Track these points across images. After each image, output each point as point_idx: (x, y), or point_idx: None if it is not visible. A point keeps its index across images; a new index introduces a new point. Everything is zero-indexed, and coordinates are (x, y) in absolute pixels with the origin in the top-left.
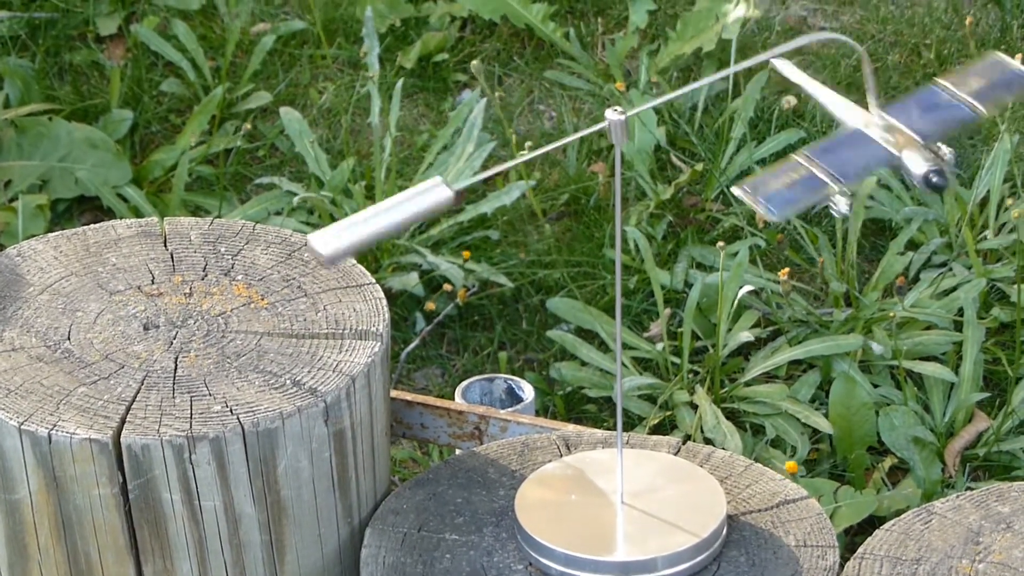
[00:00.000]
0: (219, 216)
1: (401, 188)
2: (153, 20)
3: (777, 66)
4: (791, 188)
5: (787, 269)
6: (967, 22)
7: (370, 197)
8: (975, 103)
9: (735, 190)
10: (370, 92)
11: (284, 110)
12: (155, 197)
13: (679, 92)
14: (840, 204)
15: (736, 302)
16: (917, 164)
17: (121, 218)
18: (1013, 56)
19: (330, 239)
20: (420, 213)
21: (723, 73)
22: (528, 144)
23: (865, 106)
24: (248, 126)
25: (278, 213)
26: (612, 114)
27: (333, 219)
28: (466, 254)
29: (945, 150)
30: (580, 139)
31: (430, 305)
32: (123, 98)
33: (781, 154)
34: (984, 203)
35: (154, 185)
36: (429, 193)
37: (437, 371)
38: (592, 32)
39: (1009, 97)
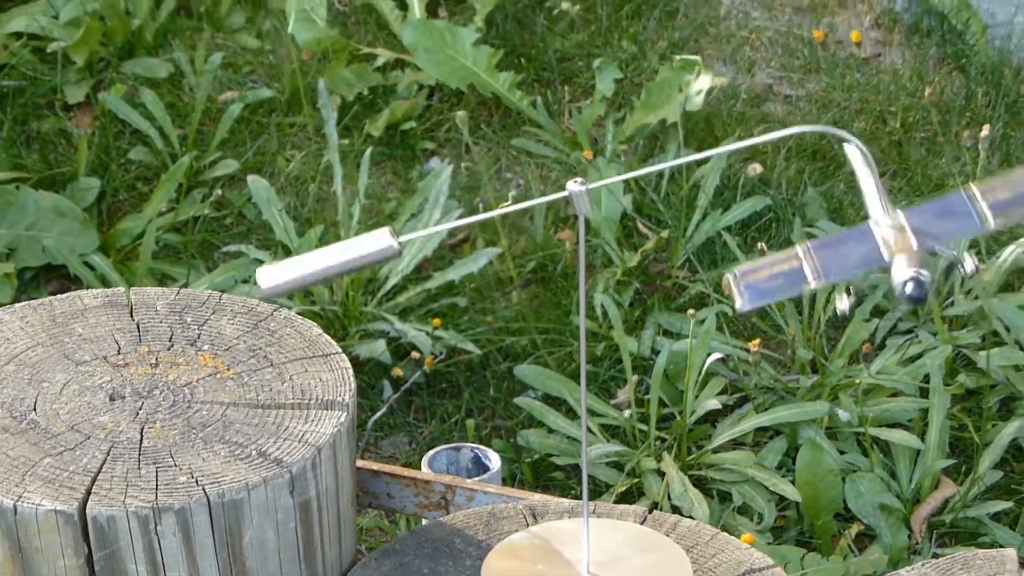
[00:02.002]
0: (186, 285)
1: None
2: (120, 88)
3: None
4: (772, 279)
5: (757, 340)
6: (927, 93)
7: None
8: (987, 215)
9: (727, 276)
10: (331, 162)
11: (251, 178)
12: (122, 265)
13: (646, 171)
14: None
15: (703, 369)
16: (900, 272)
17: (88, 286)
18: (980, 126)
19: (274, 274)
20: (364, 261)
21: (724, 150)
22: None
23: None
24: (218, 192)
25: (245, 281)
26: (573, 186)
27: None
28: (436, 322)
29: (953, 256)
30: (547, 206)
31: (397, 372)
32: (90, 166)
33: (747, 222)
34: (950, 269)
35: (121, 253)
36: (375, 242)
37: (404, 439)
38: (559, 100)
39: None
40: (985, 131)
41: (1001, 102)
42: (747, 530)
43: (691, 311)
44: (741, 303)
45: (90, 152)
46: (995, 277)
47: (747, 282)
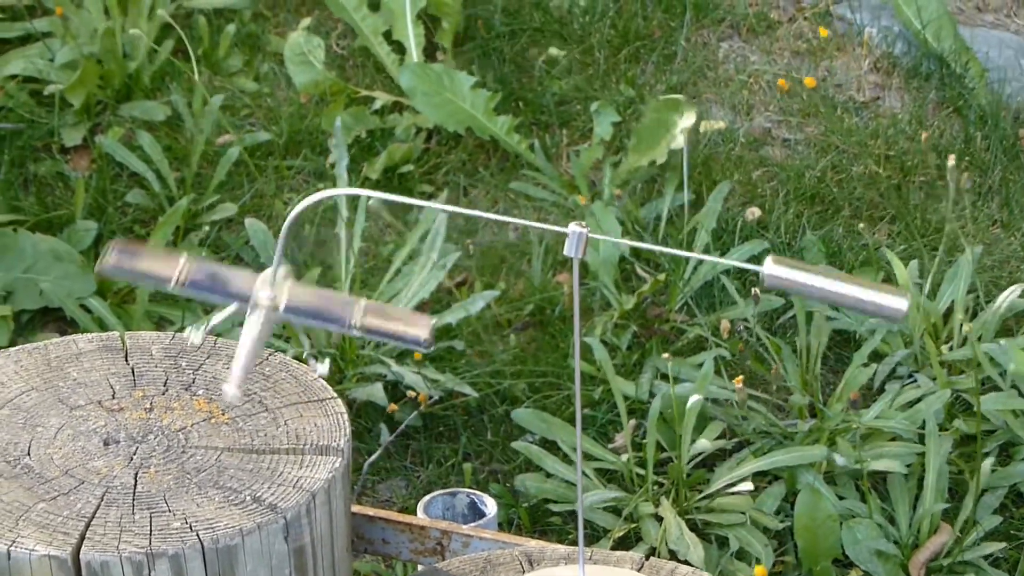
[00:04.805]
0: (181, 328)
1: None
2: (118, 131)
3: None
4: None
5: (741, 377)
6: (923, 137)
7: None
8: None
9: None
10: (336, 203)
11: (249, 221)
12: (119, 308)
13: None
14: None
15: (700, 413)
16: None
17: (85, 330)
18: (978, 170)
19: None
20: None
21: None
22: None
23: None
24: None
25: (242, 324)
26: (575, 227)
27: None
28: (417, 355)
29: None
30: (544, 251)
31: (393, 407)
32: (88, 209)
33: None
34: (948, 314)
35: (118, 296)
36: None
37: (401, 483)
38: (557, 144)
39: None
40: (951, 161)
41: (999, 146)
42: (744, 575)
43: (666, 355)
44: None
45: (87, 195)
46: (992, 322)
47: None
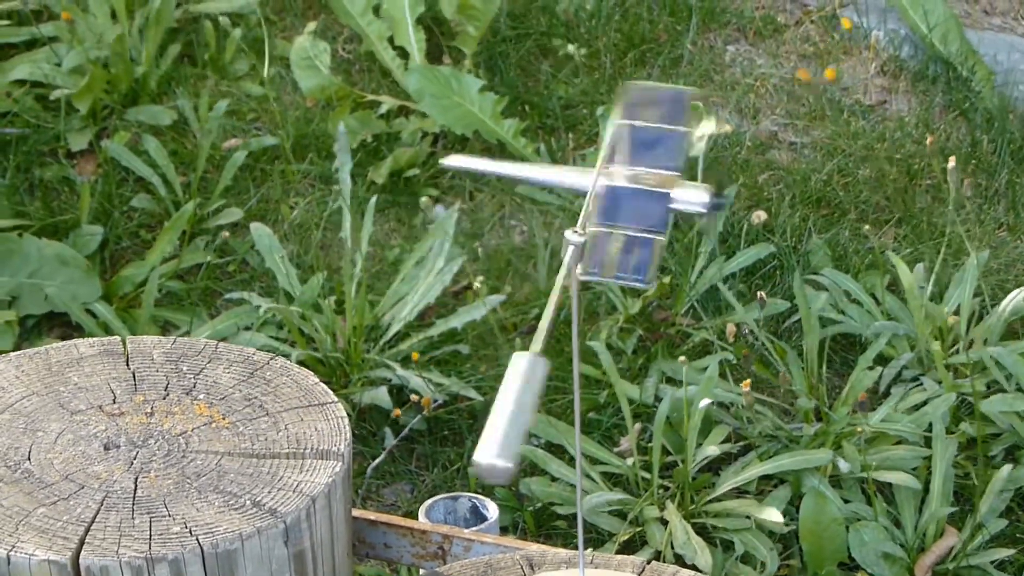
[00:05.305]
0: (188, 332)
1: (372, 303)
2: (124, 136)
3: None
4: (631, 254)
5: (749, 380)
6: (928, 140)
7: (340, 312)
8: (674, 126)
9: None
10: (342, 207)
11: (255, 225)
12: (124, 313)
13: None
14: None
15: (705, 417)
16: (697, 195)
17: (90, 334)
18: (985, 173)
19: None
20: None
21: None
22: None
23: None
24: (226, 233)
25: (247, 328)
26: (572, 235)
27: (302, 333)
28: (415, 356)
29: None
30: (550, 255)
31: (396, 412)
32: (93, 214)
33: (751, 269)
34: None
35: (124, 301)
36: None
37: (406, 487)
38: (563, 147)
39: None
40: (951, 163)
41: (1006, 149)
42: None
43: (682, 359)
44: (641, 284)
45: (93, 200)
46: (997, 325)
47: (621, 269)
